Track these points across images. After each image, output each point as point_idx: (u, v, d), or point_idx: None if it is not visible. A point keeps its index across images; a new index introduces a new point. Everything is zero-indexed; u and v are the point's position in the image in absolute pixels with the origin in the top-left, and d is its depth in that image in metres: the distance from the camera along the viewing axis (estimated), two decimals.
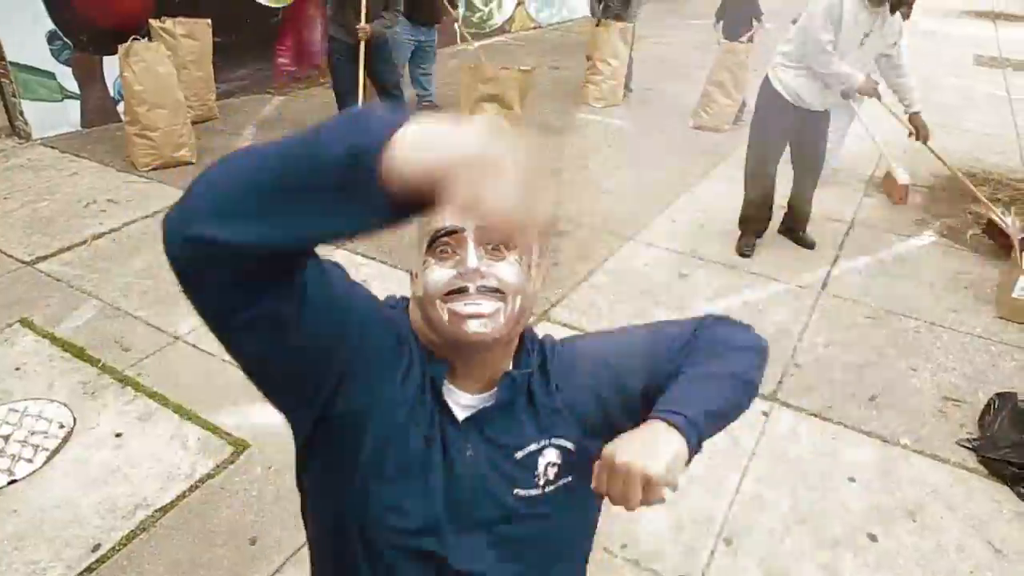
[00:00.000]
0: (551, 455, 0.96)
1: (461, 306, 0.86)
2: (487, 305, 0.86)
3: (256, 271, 0.70)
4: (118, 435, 2.60)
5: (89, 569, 2.12)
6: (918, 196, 5.12)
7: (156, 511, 2.30)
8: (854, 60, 3.61)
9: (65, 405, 2.72)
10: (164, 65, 4.82)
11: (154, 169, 4.86)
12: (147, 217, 4.25)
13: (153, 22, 5.52)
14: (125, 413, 2.71)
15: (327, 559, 1.05)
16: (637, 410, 0.95)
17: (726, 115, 6.53)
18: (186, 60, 5.56)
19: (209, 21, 5.85)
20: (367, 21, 4.77)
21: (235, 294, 0.72)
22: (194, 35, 5.72)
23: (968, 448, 2.73)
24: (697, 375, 0.96)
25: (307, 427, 0.95)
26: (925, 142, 3.97)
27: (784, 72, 3.79)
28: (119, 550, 2.17)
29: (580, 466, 0.95)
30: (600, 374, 1.00)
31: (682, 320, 1.08)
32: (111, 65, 5.43)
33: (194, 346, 3.09)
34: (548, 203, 0.61)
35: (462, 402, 0.94)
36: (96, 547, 2.18)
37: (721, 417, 0.94)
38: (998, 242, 4.20)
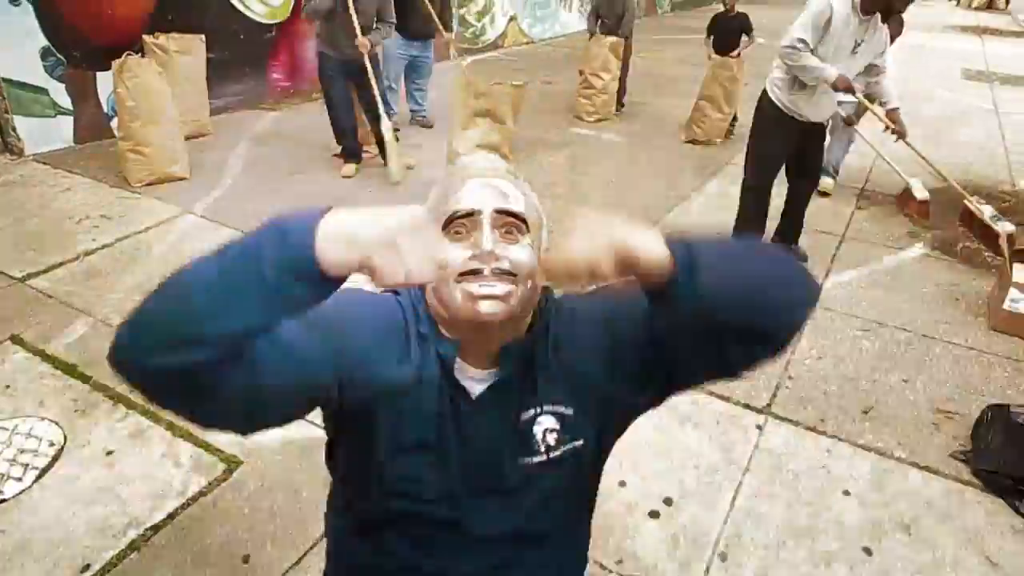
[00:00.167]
0: (547, 422, 0.98)
1: (475, 287, 0.88)
2: (500, 287, 0.88)
3: (211, 371, 0.73)
4: (109, 453, 2.58)
5: None
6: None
7: (147, 529, 2.28)
8: (843, 68, 3.66)
9: (55, 423, 2.70)
10: (157, 81, 4.83)
11: (147, 185, 4.85)
12: (140, 233, 4.24)
13: (147, 38, 5.55)
14: (116, 431, 2.69)
15: (353, 534, 1.08)
16: (643, 362, 0.96)
17: (718, 129, 6.58)
18: (180, 76, 5.57)
19: (203, 37, 5.87)
20: (363, 35, 4.79)
21: (200, 392, 0.75)
22: (188, 51, 5.74)
23: (962, 461, 2.73)
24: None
25: (330, 425, 1.03)
26: (903, 138, 4.03)
27: (781, 85, 3.83)
28: (110, 570, 2.15)
29: (586, 429, 0.99)
30: (601, 331, 1.00)
31: None
32: (105, 81, 5.45)
33: None
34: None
35: (474, 377, 0.97)
36: (86, 567, 2.15)
37: (728, 260, 0.82)
38: (987, 245, 4.21)
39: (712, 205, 5.07)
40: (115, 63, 4.69)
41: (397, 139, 5.31)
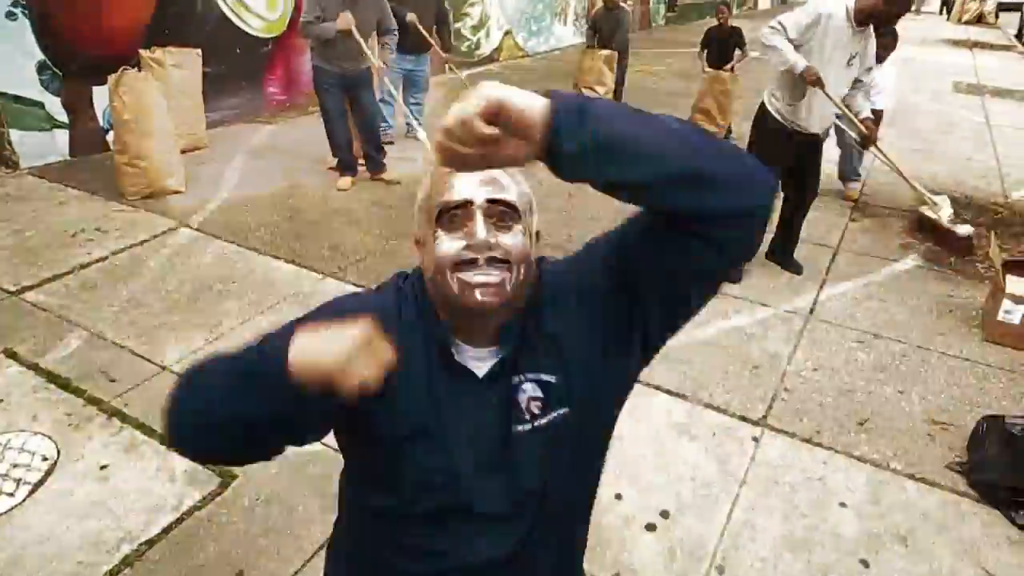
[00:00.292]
0: (531, 390, 0.99)
1: (471, 276, 0.91)
2: (495, 275, 0.92)
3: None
4: (103, 467, 2.56)
5: None
6: (904, 221, 5.18)
7: (141, 544, 2.26)
8: (836, 79, 3.71)
9: (49, 437, 2.68)
10: (154, 95, 4.85)
11: (143, 198, 4.86)
12: (135, 246, 4.23)
13: (143, 52, 5.57)
14: (110, 445, 2.67)
15: (366, 527, 1.12)
16: (618, 312, 0.98)
17: None
18: (176, 89, 5.59)
19: (199, 51, 5.91)
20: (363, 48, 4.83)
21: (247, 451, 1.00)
22: (184, 65, 5.76)
23: (958, 472, 2.74)
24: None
25: (343, 438, 1.09)
26: (872, 144, 4.10)
27: (778, 96, 3.87)
28: None
29: (571, 398, 1.00)
30: (575, 299, 1.01)
31: None
32: (101, 95, 5.46)
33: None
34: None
35: (476, 356, 1.00)
36: None
37: (635, 116, 0.79)
38: (947, 247, 4.28)
39: None
40: (111, 77, 4.71)
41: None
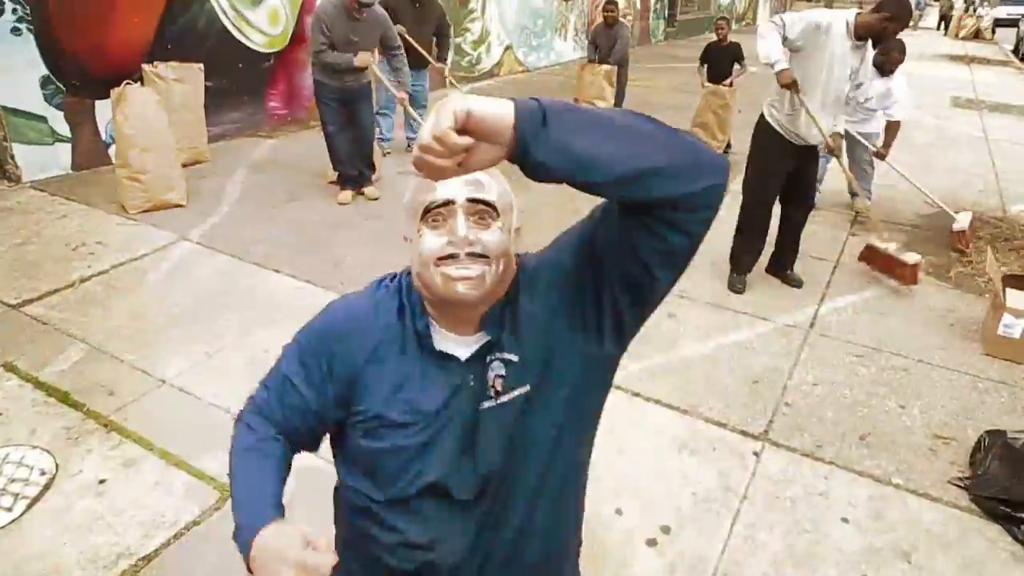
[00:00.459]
0: (496, 368, 1.06)
1: (453, 270, 0.99)
2: (475, 269, 0.99)
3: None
4: (101, 482, 2.55)
5: None
6: (903, 235, 5.19)
7: (139, 560, 2.25)
8: (837, 93, 3.75)
9: (47, 451, 2.67)
10: (156, 109, 4.87)
11: (144, 212, 4.86)
12: (135, 260, 4.24)
13: (146, 67, 5.60)
14: (109, 459, 2.66)
15: (355, 521, 1.17)
16: (584, 295, 1.03)
17: None
18: (178, 104, 5.62)
19: (201, 66, 5.93)
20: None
21: None
22: (186, 79, 5.79)
23: (960, 487, 2.72)
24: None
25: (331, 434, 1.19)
26: (836, 157, 4.17)
27: (777, 107, 3.89)
28: None
29: (530, 376, 1.06)
30: (543, 288, 1.08)
31: None
32: (103, 109, 5.48)
33: (180, 390, 3.06)
34: None
35: (460, 343, 1.07)
36: None
37: (590, 115, 0.84)
38: (896, 276, 4.34)
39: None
40: (114, 91, 4.74)
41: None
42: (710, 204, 0.89)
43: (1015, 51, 19.09)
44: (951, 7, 25.91)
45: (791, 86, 3.72)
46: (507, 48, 11.33)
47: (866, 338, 3.79)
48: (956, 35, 23.09)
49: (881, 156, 5.21)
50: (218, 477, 2.58)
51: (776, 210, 4.24)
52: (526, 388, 1.06)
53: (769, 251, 4.40)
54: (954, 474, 2.79)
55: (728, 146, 6.77)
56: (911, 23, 15.81)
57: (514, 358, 1.06)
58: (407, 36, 5.74)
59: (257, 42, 7.01)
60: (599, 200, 0.93)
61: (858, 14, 3.68)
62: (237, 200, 5.31)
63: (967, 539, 2.50)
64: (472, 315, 1.05)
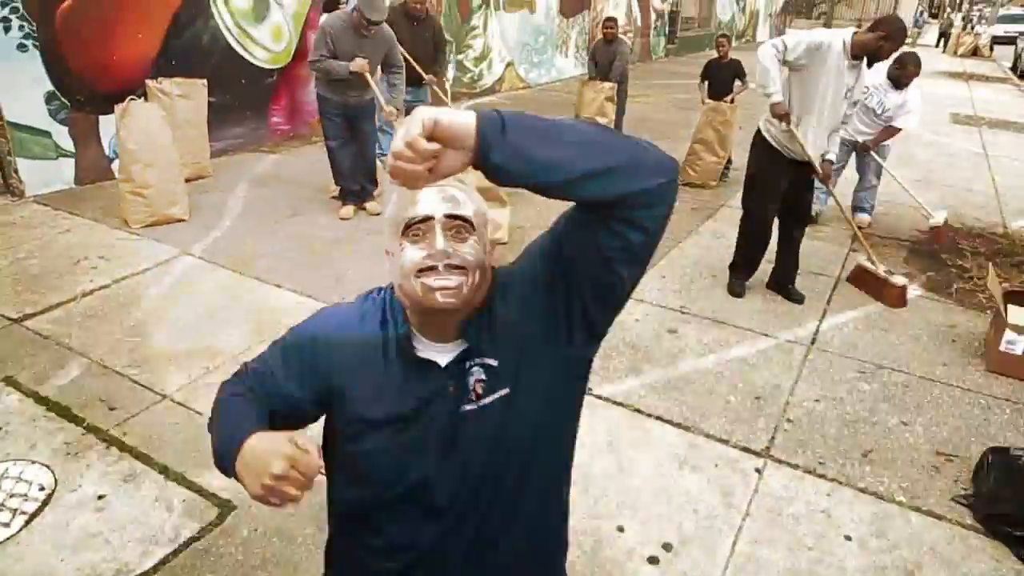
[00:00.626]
0: (477, 372, 1.11)
1: (432, 281, 1.04)
2: (453, 279, 1.04)
3: None
4: (100, 497, 2.54)
5: None
6: (903, 251, 5.20)
7: None
8: (833, 114, 3.77)
9: (47, 466, 2.66)
10: (159, 124, 4.90)
11: (147, 226, 4.88)
12: (138, 274, 4.25)
13: (150, 82, 5.65)
14: (109, 474, 2.65)
15: (344, 527, 1.23)
16: (554, 297, 1.08)
17: (712, 172, 6.67)
18: (181, 119, 5.66)
19: (205, 81, 5.98)
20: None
21: None
22: (190, 95, 5.84)
23: (964, 505, 2.71)
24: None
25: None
26: (826, 184, 4.26)
27: (774, 121, 3.93)
28: None
29: (509, 379, 1.10)
30: (516, 293, 1.12)
31: None
32: (107, 124, 5.52)
33: (181, 405, 3.05)
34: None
35: (440, 350, 1.12)
36: None
37: (545, 124, 0.89)
38: (883, 298, 4.36)
39: (707, 247, 5.10)
40: (118, 107, 4.76)
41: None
42: (664, 201, 0.95)
43: (1013, 68, 19.21)
44: (950, 25, 26.14)
45: (784, 118, 3.81)
46: (508, 64, 11.41)
47: (868, 354, 3.78)
48: (955, 52, 23.25)
49: (865, 149, 5.32)
50: (219, 493, 2.56)
51: (775, 227, 4.27)
52: (506, 391, 1.11)
53: (770, 267, 4.40)
54: (958, 492, 2.78)
55: (729, 162, 6.80)
56: (910, 40, 15.89)
57: (493, 362, 1.11)
58: (405, 53, 5.77)
59: (260, 58, 7.07)
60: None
61: (855, 33, 3.73)
62: (239, 215, 5.33)
63: (972, 558, 2.48)
64: (451, 323, 1.11)
